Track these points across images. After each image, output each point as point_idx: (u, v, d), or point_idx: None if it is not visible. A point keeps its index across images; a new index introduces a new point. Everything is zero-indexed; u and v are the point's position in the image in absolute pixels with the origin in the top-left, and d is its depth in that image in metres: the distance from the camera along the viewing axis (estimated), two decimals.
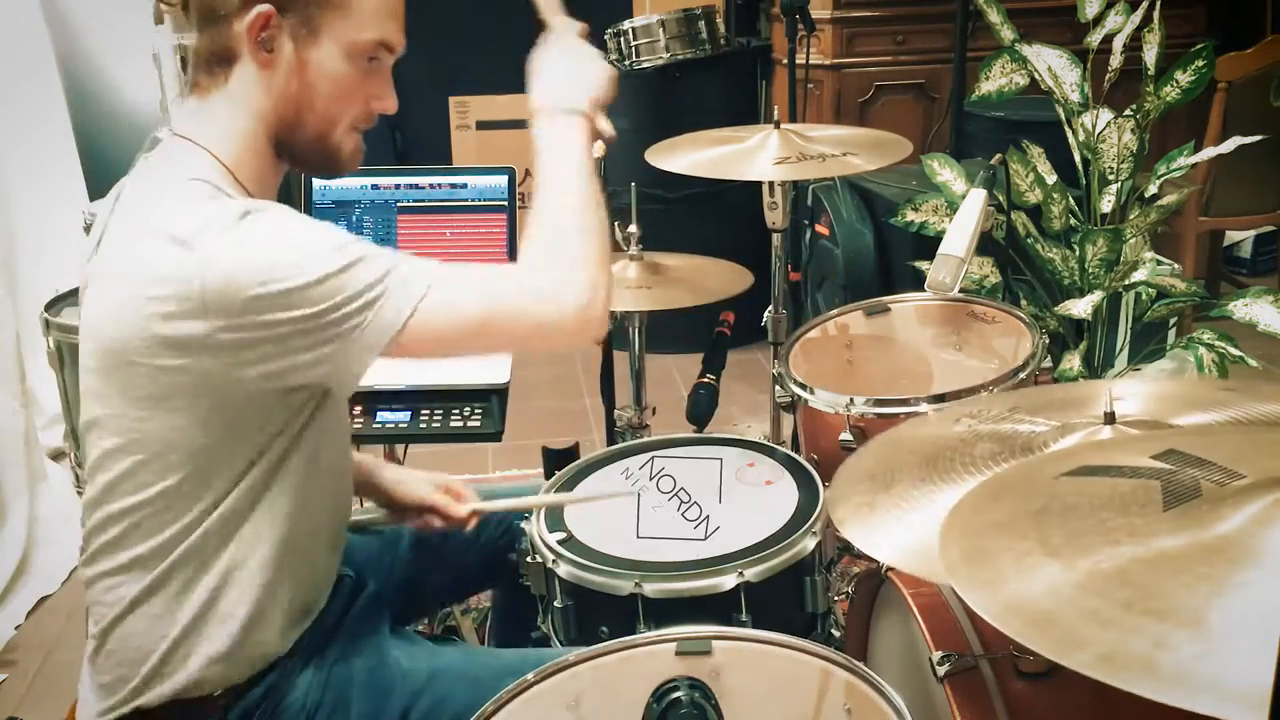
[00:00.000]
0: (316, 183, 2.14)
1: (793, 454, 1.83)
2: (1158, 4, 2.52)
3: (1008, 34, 2.65)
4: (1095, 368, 2.63)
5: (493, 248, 2.13)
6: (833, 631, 1.72)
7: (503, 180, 2.14)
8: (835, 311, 2.24)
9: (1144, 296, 2.65)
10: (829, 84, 4.10)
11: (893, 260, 3.38)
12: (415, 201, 2.15)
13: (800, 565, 1.59)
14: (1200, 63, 2.52)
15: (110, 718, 1.34)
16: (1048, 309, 2.63)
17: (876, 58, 4.14)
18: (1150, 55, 2.54)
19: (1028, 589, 0.83)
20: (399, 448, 2.18)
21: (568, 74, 1.39)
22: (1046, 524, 0.90)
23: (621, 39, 3.92)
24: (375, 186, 2.15)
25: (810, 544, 1.59)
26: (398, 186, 2.15)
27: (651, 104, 3.98)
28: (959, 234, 2.00)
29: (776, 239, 2.35)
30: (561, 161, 1.35)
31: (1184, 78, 2.53)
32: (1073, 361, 2.52)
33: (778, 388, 2.06)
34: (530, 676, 1.25)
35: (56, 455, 3.15)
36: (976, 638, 1.31)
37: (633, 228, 2.24)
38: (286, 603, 1.37)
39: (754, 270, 2.29)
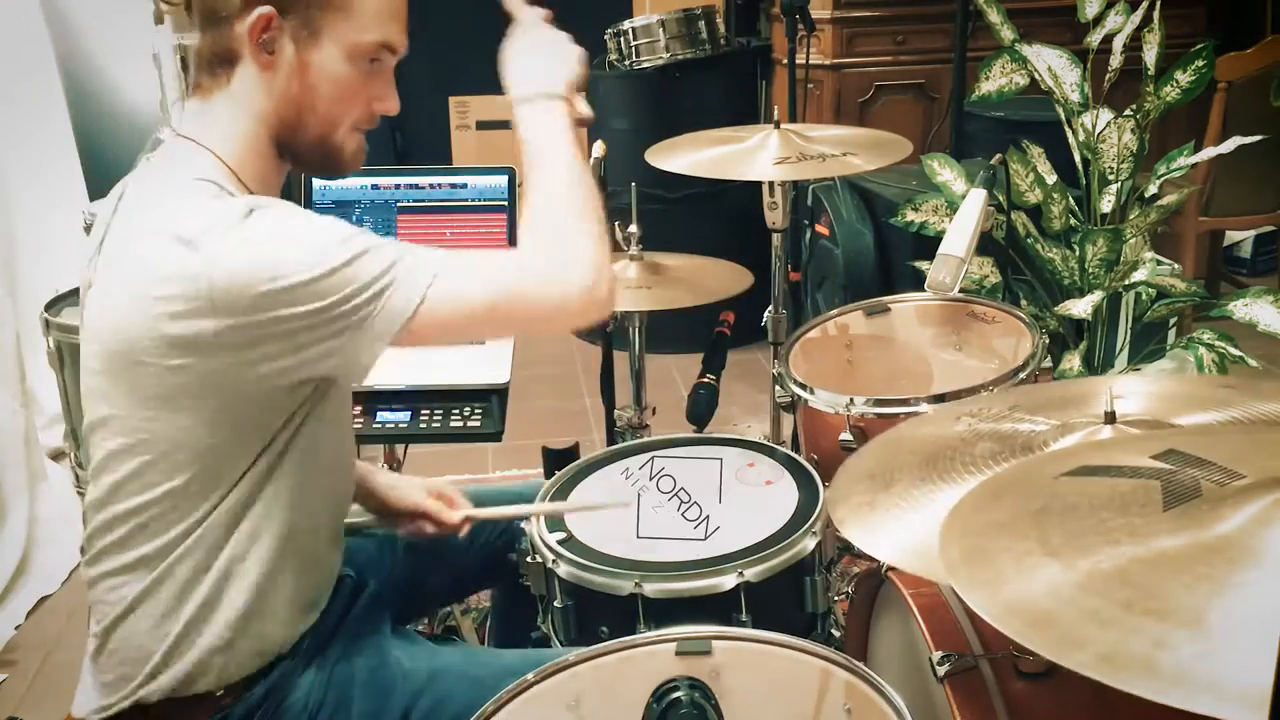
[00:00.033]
0: (316, 183, 2.14)
1: (793, 454, 1.83)
2: (1158, 4, 2.52)
3: (1008, 34, 2.66)
4: (1095, 368, 2.63)
5: (493, 247, 2.12)
6: (833, 631, 1.72)
7: (503, 180, 2.14)
8: (835, 311, 2.24)
9: (1144, 296, 2.66)
10: (829, 84, 4.10)
11: (893, 260, 3.38)
12: (415, 201, 2.15)
13: (800, 565, 1.59)
14: (1200, 63, 2.52)
15: (111, 714, 1.34)
16: (1048, 309, 2.63)
17: (876, 58, 4.14)
18: (1150, 55, 2.54)
19: (1028, 589, 0.83)
20: (399, 448, 2.17)
21: (541, 60, 1.40)
22: (1046, 524, 0.90)
23: (621, 39, 3.92)
24: (375, 186, 2.15)
25: (810, 544, 1.59)
26: (398, 186, 2.15)
27: (651, 104, 3.98)
28: (959, 234, 2.00)
29: (776, 239, 2.35)
30: (549, 145, 1.35)
31: (1184, 78, 2.53)
32: (1073, 361, 2.52)
33: (778, 388, 2.06)
34: (530, 676, 1.25)
35: (56, 455, 3.15)
36: (976, 638, 1.31)
37: (633, 228, 2.24)
38: (289, 596, 1.37)
39: (754, 270, 2.29)
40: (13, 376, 2.84)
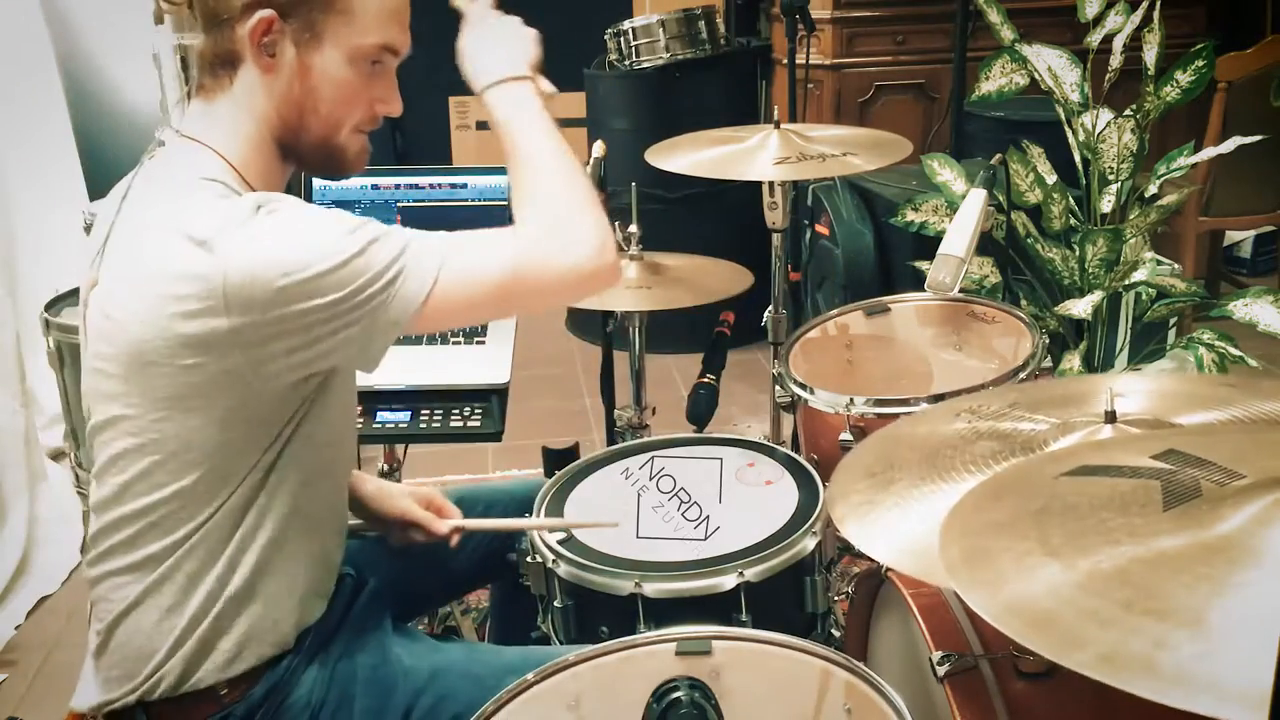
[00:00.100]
0: (317, 183, 2.14)
1: (793, 454, 1.83)
2: (1158, 4, 2.52)
3: (1008, 34, 2.66)
4: (1095, 368, 2.63)
5: None
6: (833, 631, 1.72)
7: (503, 180, 2.14)
8: (835, 311, 2.24)
9: (1144, 296, 2.66)
10: (829, 84, 4.10)
11: (893, 260, 3.38)
12: (415, 201, 2.15)
13: (800, 565, 1.59)
14: (1200, 63, 2.52)
15: (114, 709, 1.34)
16: (1048, 309, 2.63)
17: (876, 58, 4.14)
18: (1150, 55, 2.54)
19: (1028, 589, 0.83)
20: (399, 448, 2.18)
21: (500, 45, 1.41)
22: (1046, 524, 0.90)
23: (621, 39, 3.92)
24: (375, 186, 2.15)
25: (810, 544, 1.59)
26: (398, 186, 2.15)
27: (651, 104, 3.98)
28: (959, 234, 2.00)
29: (776, 239, 2.35)
30: (529, 122, 1.37)
31: (1184, 78, 2.53)
32: (1073, 361, 2.52)
33: (778, 388, 2.06)
34: (530, 676, 1.25)
35: (56, 455, 3.15)
36: (976, 638, 1.31)
37: (633, 228, 2.23)
38: (295, 588, 1.37)
39: (754, 270, 2.29)
40: (13, 376, 2.84)
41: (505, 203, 2.14)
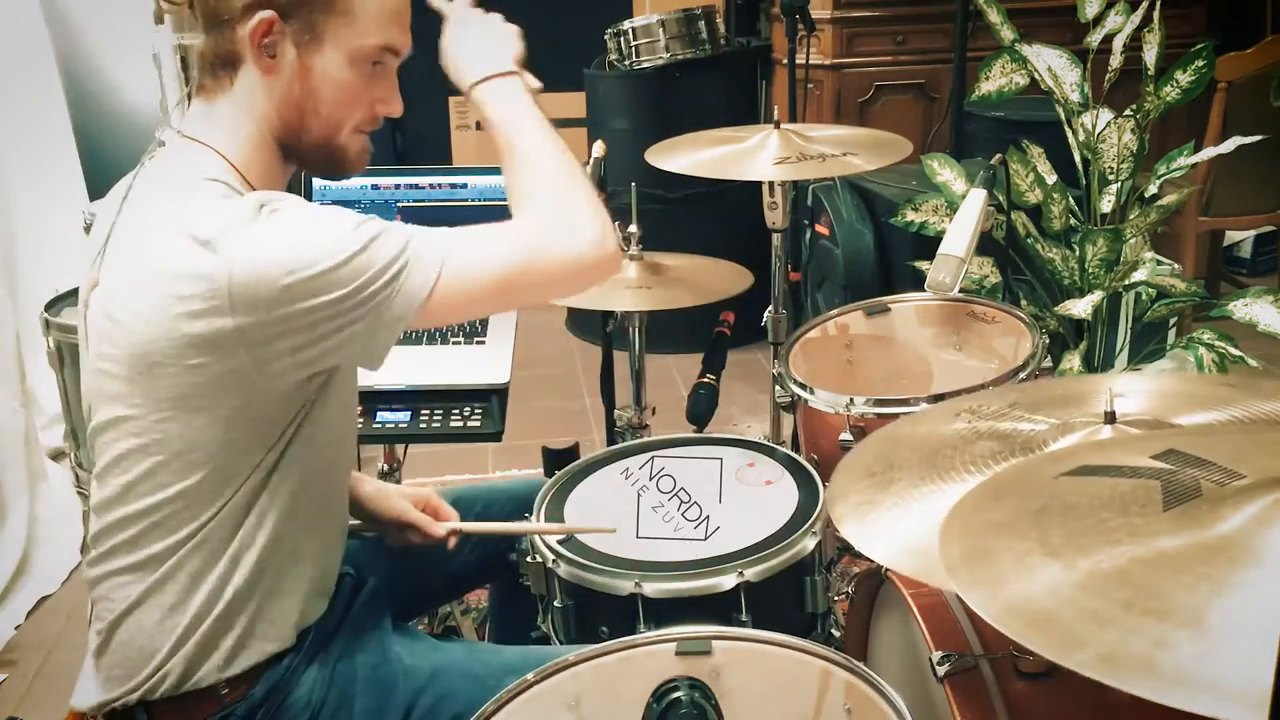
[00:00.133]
0: (317, 183, 2.15)
1: (793, 454, 1.83)
2: (1158, 4, 2.52)
3: (1008, 34, 2.66)
4: (1095, 368, 2.63)
5: None
6: (833, 631, 1.72)
7: (503, 180, 2.14)
8: (835, 311, 2.24)
9: (1144, 296, 2.66)
10: (829, 84, 4.10)
11: (893, 260, 3.38)
12: (415, 201, 2.16)
13: (800, 565, 1.59)
14: (1200, 63, 2.52)
15: (115, 709, 1.34)
16: (1048, 309, 2.63)
17: (876, 58, 4.14)
18: (1150, 55, 2.54)
19: (1028, 589, 0.83)
20: (399, 448, 2.18)
21: (484, 43, 1.42)
22: (1046, 524, 0.90)
23: (621, 39, 3.92)
24: (375, 186, 2.15)
25: (810, 544, 1.59)
26: (398, 186, 2.15)
27: (651, 104, 3.98)
28: (959, 234, 2.00)
29: (776, 239, 2.35)
30: (521, 116, 1.38)
31: (1184, 78, 2.53)
32: (1073, 361, 2.52)
33: (778, 388, 2.06)
34: (530, 676, 1.25)
35: (56, 455, 3.15)
36: (976, 638, 1.31)
37: (633, 228, 2.23)
38: (297, 586, 1.37)
39: (754, 270, 2.29)
40: (13, 376, 2.84)
41: (505, 202, 2.14)
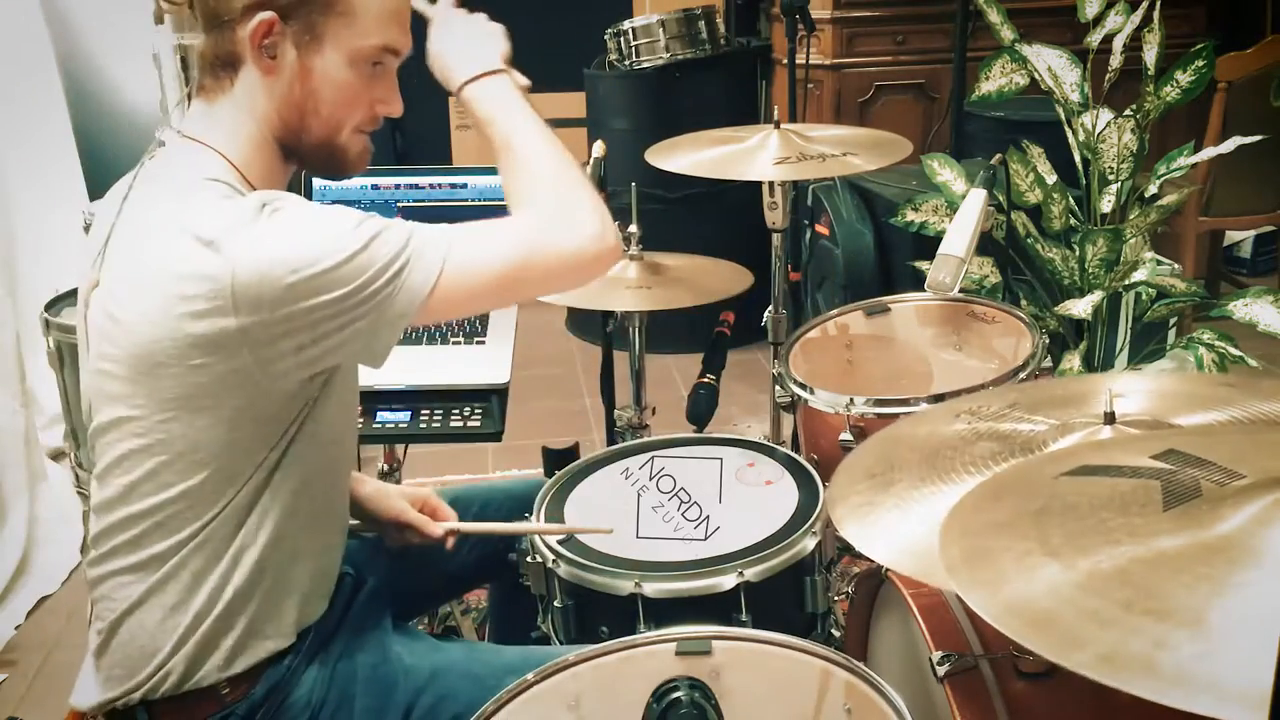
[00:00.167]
0: (317, 183, 2.15)
1: (793, 454, 1.83)
2: (1158, 4, 2.52)
3: (1008, 34, 2.66)
4: (1095, 368, 2.63)
5: None
6: (833, 631, 1.72)
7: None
8: (835, 311, 2.24)
9: (1144, 296, 2.66)
10: (829, 84, 4.10)
11: (893, 260, 3.38)
12: (415, 201, 2.16)
13: (800, 565, 1.59)
14: (1200, 63, 2.52)
15: (115, 708, 1.34)
16: (1048, 309, 2.63)
17: (876, 58, 4.14)
18: (1150, 55, 2.54)
19: (1028, 589, 0.83)
20: (399, 447, 2.18)
21: (470, 42, 1.42)
22: (1046, 524, 0.90)
23: (621, 39, 3.92)
24: (375, 186, 2.15)
25: (810, 544, 1.59)
26: (398, 186, 2.16)
27: (651, 104, 3.98)
28: (959, 234, 2.00)
29: (776, 239, 2.35)
30: (514, 113, 1.38)
31: (1184, 78, 2.53)
32: (1073, 361, 2.52)
33: (778, 388, 2.06)
34: (530, 676, 1.25)
35: (56, 455, 3.15)
36: (976, 638, 1.31)
37: (633, 228, 2.23)
38: (295, 584, 1.37)
39: (754, 270, 2.29)
40: (13, 376, 2.84)
41: (504, 202, 2.14)
